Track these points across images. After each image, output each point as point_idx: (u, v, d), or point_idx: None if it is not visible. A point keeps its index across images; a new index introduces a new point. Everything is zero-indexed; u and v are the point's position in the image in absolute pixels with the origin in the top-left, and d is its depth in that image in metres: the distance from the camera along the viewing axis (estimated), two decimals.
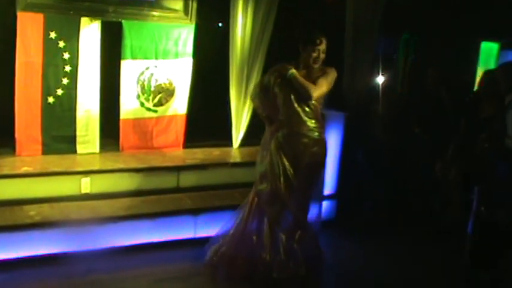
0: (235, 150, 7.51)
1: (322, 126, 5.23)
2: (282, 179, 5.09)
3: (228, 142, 7.53)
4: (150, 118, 7.06)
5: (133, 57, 6.80)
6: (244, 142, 7.56)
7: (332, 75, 5.11)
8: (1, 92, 6.38)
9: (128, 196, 6.17)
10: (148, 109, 7.03)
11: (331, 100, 6.78)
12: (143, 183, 6.34)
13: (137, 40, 6.77)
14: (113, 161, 6.59)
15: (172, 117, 7.19)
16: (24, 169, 5.94)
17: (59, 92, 6.45)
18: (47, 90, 6.39)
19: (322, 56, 5.04)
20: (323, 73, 5.06)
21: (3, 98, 6.34)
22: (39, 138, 6.46)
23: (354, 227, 6.67)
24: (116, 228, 5.65)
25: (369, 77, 7.38)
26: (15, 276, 5.03)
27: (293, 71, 4.99)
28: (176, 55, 7.02)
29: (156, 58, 6.92)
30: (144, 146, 7.04)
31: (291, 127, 5.09)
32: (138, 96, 6.92)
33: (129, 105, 6.92)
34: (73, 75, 6.48)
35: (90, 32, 6.48)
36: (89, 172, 6.13)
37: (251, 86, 7.20)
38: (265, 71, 7.10)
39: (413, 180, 7.13)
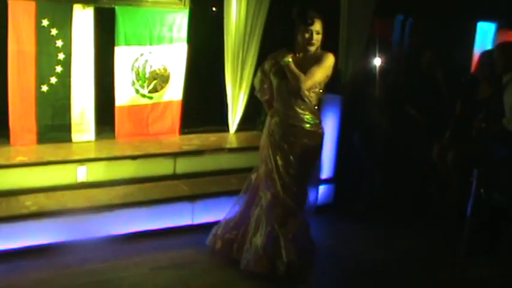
0: (231, 135, 7.49)
1: (316, 118, 4.93)
2: (276, 176, 4.95)
3: (225, 127, 7.52)
4: (146, 105, 7.03)
5: (127, 44, 6.75)
6: (241, 127, 7.55)
7: (327, 61, 4.77)
8: None
9: (125, 184, 6.15)
10: (144, 96, 6.99)
11: (327, 83, 6.77)
12: (139, 170, 6.32)
13: (131, 26, 6.72)
14: (108, 148, 6.56)
15: (168, 104, 7.16)
16: (19, 159, 5.90)
17: (53, 80, 6.40)
18: (40, 79, 6.34)
19: (317, 37, 4.73)
20: (317, 60, 4.75)
21: None
22: (34, 128, 6.42)
23: (352, 211, 6.69)
24: (113, 217, 5.62)
25: (364, 60, 7.35)
26: (12, 267, 5.02)
27: (288, 59, 4.74)
28: (170, 41, 6.97)
29: (151, 44, 6.87)
30: (140, 133, 7.01)
31: (283, 116, 4.93)
32: (133, 83, 6.88)
33: (124, 92, 6.88)
34: (67, 63, 6.43)
35: (83, 18, 6.41)
36: (84, 160, 6.10)
37: (246, 71, 7.19)
38: (260, 55, 7.11)
39: (410, 163, 7.11)
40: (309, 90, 4.77)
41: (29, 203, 5.52)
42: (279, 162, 4.93)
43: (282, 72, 4.84)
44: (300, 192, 5.05)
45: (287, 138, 4.90)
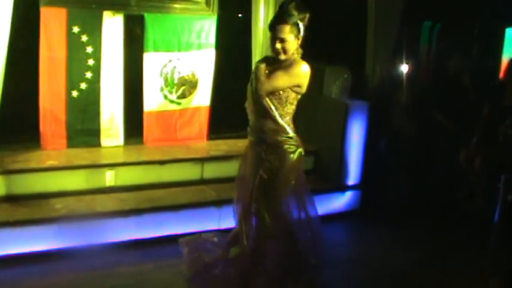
0: None
1: (279, 130, 4.43)
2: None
3: None
4: (174, 110, 7.08)
5: (156, 50, 6.82)
6: None
7: (294, 69, 4.33)
8: (26, 87, 6.44)
9: (152, 188, 6.22)
10: (172, 101, 7.05)
11: (354, 89, 6.78)
12: (167, 175, 6.38)
13: (160, 33, 6.79)
14: (137, 153, 6.63)
15: (196, 109, 7.21)
16: (50, 163, 6.00)
17: (83, 86, 6.49)
18: (70, 85, 6.43)
19: (281, 45, 4.28)
20: (285, 67, 4.35)
21: (28, 93, 6.40)
22: (64, 132, 6.50)
23: (378, 217, 6.66)
24: (140, 221, 5.69)
25: (391, 66, 7.34)
26: (41, 269, 5.09)
27: (259, 63, 4.46)
28: (199, 47, 7.02)
29: (179, 50, 6.93)
30: (168, 139, 7.06)
31: (250, 124, 4.63)
32: (162, 89, 6.95)
33: (153, 98, 6.95)
34: (96, 69, 6.51)
35: (113, 25, 6.50)
36: (113, 165, 6.18)
37: None
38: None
39: (437, 169, 7.09)
40: (269, 96, 4.36)
41: (59, 206, 5.61)
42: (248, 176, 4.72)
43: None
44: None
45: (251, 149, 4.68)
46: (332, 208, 6.71)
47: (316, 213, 4.88)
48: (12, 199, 5.65)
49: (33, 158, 6.12)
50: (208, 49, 7.07)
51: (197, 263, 4.90)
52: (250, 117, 4.60)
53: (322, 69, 7.07)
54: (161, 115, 7.03)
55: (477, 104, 6.88)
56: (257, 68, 4.44)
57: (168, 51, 6.88)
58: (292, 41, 4.30)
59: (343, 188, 6.83)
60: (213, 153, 6.81)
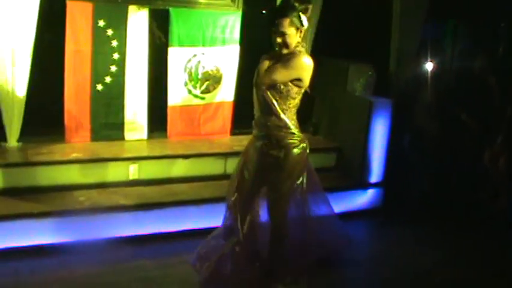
0: None
1: (281, 126, 4.38)
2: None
3: None
4: (198, 105, 7.10)
5: (181, 45, 6.83)
6: None
7: (292, 62, 4.26)
8: (51, 80, 6.46)
9: (175, 182, 6.25)
10: (196, 96, 7.06)
11: (378, 87, 6.75)
12: (190, 169, 6.41)
13: (184, 27, 6.80)
14: (160, 147, 6.66)
15: (220, 104, 7.22)
16: (74, 155, 6.04)
17: (108, 79, 6.52)
18: (95, 78, 6.47)
19: (282, 39, 4.23)
20: (286, 60, 4.29)
21: (53, 86, 6.44)
22: (88, 125, 6.55)
23: (401, 215, 6.64)
24: (163, 214, 5.71)
25: (415, 64, 7.31)
26: (64, 261, 5.13)
27: (264, 58, 4.41)
28: (223, 42, 7.03)
29: (203, 45, 6.94)
30: (192, 133, 7.08)
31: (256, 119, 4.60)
32: (186, 83, 6.96)
33: (177, 92, 6.97)
34: (121, 63, 6.55)
35: (138, 19, 6.53)
36: (137, 158, 6.23)
37: None
38: (311, 57, 7.12)
39: (460, 168, 7.05)
40: (271, 90, 4.31)
41: (83, 199, 5.67)
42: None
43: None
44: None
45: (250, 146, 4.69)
46: (354, 205, 6.70)
47: (331, 211, 4.90)
48: (36, 191, 5.70)
49: (58, 151, 6.16)
50: (232, 45, 7.07)
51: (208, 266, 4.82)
52: (255, 112, 4.58)
53: (346, 66, 7.07)
54: (185, 109, 7.04)
55: (502, 104, 6.83)
56: (260, 62, 4.40)
57: (193, 45, 6.90)
58: (293, 34, 4.25)
59: (365, 185, 6.80)
60: (236, 148, 6.78)
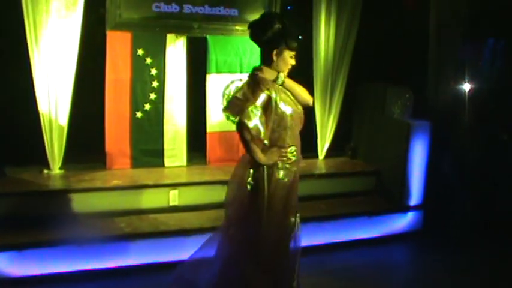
0: (320, 161, 7.52)
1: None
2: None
3: (314, 154, 7.55)
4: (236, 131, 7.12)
5: (219, 72, 6.91)
6: (329, 153, 7.57)
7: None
8: (92, 108, 6.58)
9: (215, 208, 6.23)
10: (234, 122, 7.08)
11: (416, 109, 6.72)
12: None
13: (222, 54, 6.89)
14: (200, 173, 6.70)
15: None
16: (115, 182, 6.12)
17: (147, 107, 6.62)
18: (135, 106, 6.58)
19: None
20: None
21: (94, 114, 6.57)
22: (128, 152, 6.64)
23: (442, 238, 6.56)
24: (203, 240, 5.71)
25: (453, 85, 7.27)
26: (106, 287, 5.18)
27: (282, 76, 4.45)
28: None
29: (241, 72, 6.99)
30: (231, 159, 7.06)
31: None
32: (224, 110, 7.00)
33: (215, 119, 7.03)
34: (160, 91, 6.65)
35: (176, 47, 6.64)
36: (177, 185, 6.27)
37: (335, 97, 7.24)
38: (349, 81, 7.15)
39: (502, 189, 6.95)
40: None
41: (123, 225, 5.72)
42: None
43: (289, 98, 4.43)
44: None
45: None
46: (394, 229, 6.68)
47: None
48: (77, 217, 5.77)
49: (99, 178, 6.25)
50: None
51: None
52: (294, 142, 4.56)
53: (384, 89, 7.07)
54: (224, 135, 7.09)
55: None
56: (285, 81, 4.47)
57: (230, 72, 6.97)
58: None
59: (405, 208, 6.76)
60: None
